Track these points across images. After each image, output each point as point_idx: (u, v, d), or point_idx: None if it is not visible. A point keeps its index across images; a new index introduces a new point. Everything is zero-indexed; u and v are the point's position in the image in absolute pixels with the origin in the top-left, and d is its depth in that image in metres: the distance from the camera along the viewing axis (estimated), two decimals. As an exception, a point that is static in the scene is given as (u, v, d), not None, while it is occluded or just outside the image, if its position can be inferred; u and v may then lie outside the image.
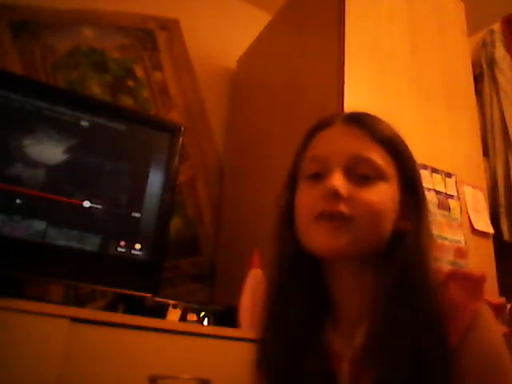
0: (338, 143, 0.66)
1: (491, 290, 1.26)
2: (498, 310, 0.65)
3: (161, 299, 1.19)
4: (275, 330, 0.68)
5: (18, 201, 1.07)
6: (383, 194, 0.63)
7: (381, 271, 0.63)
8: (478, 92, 1.76)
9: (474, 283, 0.62)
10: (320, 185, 0.64)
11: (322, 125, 0.71)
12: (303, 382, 0.65)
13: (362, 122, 0.67)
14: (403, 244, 0.63)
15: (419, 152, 1.25)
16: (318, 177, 0.65)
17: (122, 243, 1.16)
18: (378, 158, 0.64)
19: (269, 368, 0.68)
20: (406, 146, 0.69)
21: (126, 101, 1.72)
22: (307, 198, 0.66)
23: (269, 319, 0.70)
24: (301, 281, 0.68)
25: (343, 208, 0.61)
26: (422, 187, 0.69)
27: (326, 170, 0.65)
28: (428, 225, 0.67)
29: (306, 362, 0.65)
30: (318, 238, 0.63)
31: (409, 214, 0.65)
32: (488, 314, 0.61)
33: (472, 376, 0.58)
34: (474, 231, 1.31)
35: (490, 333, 0.61)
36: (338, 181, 0.62)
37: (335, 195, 0.61)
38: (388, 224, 0.63)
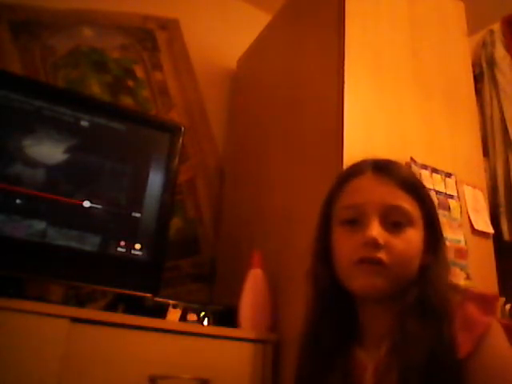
0: (371, 192, 0.75)
1: (491, 290, 1.26)
2: (509, 331, 0.69)
3: (161, 299, 1.19)
4: (311, 349, 0.79)
5: (18, 201, 1.07)
6: (413, 240, 0.73)
7: (403, 299, 0.71)
8: (478, 92, 1.76)
9: (487, 301, 0.70)
10: (358, 231, 0.73)
11: (353, 173, 0.80)
12: None
13: (390, 172, 0.77)
14: (425, 275, 0.73)
15: (419, 152, 1.27)
16: (355, 222, 0.75)
17: (122, 243, 1.16)
18: (407, 204, 0.74)
19: (304, 380, 0.79)
20: (425, 188, 0.80)
21: (126, 101, 1.72)
22: (347, 244, 0.75)
23: (306, 341, 0.80)
24: (334, 310, 0.78)
25: (382, 255, 0.70)
26: (440, 223, 0.79)
27: (362, 216, 0.74)
28: (445, 256, 0.78)
29: (334, 375, 0.74)
30: (358, 281, 0.72)
31: (430, 248, 0.76)
32: (499, 328, 0.67)
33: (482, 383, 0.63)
34: (474, 231, 1.31)
35: (500, 345, 0.66)
36: (376, 231, 0.71)
37: (375, 244, 0.70)
38: (416, 264, 0.74)
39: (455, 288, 0.76)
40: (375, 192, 0.75)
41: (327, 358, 0.76)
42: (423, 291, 0.71)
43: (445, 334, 0.66)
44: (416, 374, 0.64)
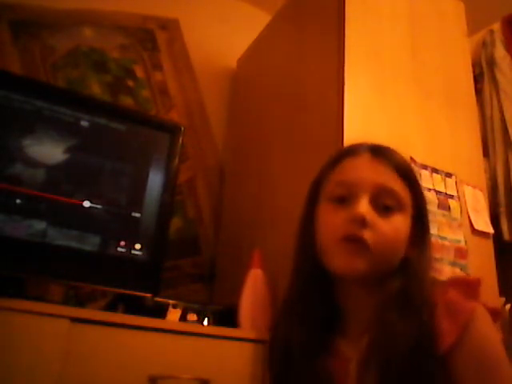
0: (365, 172, 0.73)
1: (491, 290, 1.26)
2: (494, 314, 0.68)
3: (161, 299, 1.19)
4: (289, 335, 0.75)
5: (18, 201, 1.07)
6: (400, 227, 0.71)
7: (385, 289, 0.70)
8: (478, 92, 1.76)
9: (469, 286, 0.69)
10: (345, 209, 0.71)
11: (349, 153, 0.78)
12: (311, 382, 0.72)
13: (387, 156, 0.75)
14: (408, 267, 0.71)
15: (419, 152, 1.27)
16: (343, 200, 0.72)
17: (122, 243, 1.16)
18: (400, 189, 0.73)
19: (279, 369, 0.76)
20: (419, 181, 0.79)
21: (126, 101, 1.72)
22: (332, 220, 0.72)
23: (284, 326, 0.77)
24: (315, 293, 0.76)
25: (366, 235, 0.68)
26: (428, 218, 0.77)
27: (352, 195, 0.71)
28: (430, 251, 0.76)
29: (314, 364, 0.72)
30: (338, 259, 0.70)
31: (415, 241, 0.74)
32: (484, 313, 0.66)
33: (470, 371, 0.62)
34: (474, 231, 1.31)
35: (486, 329, 0.65)
36: (364, 208, 0.69)
37: (361, 222, 0.68)
38: (401, 252, 0.72)
39: (437, 283, 0.75)
40: (369, 171, 0.73)
41: (305, 346, 0.73)
42: (405, 283, 0.69)
43: (426, 325, 0.64)
44: (395, 367, 0.63)
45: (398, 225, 0.71)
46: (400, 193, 0.72)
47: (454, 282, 0.70)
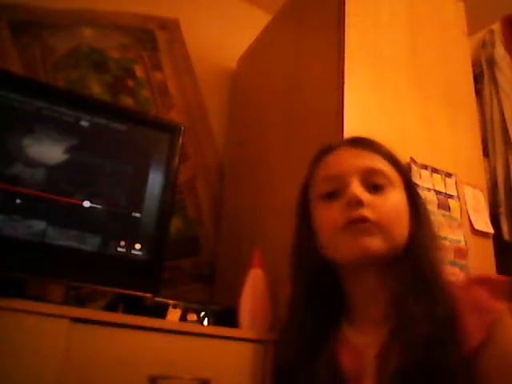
0: (348, 161, 0.73)
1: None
2: None
3: (161, 299, 1.19)
4: (294, 334, 0.74)
5: (18, 201, 1.07)
6: (397, 201, 0.71)
7: (397, 272, 0.68)
8: (478, 92, 1.76)
9: (499, 286, 0.65)
10: (337, 201, 0.70)
11: (328, 149, 0.79)
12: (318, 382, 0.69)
13: (365, 143, 0.76)
14: (413, 244, 0.69)
15: (419, 152, 1.27)
16: (333, 195, 0.71)
17: (122, 243, 1.16)
18: (386, 168, 0.73)
19: (286, 369, 0.74)
20: (400, 159, 0.78)
21: (126, 101, 1.72)
22: (328, 214, 0.71)
23: (289, 324, 0.77)
24: (320, 290, 0.75)
25: (367, 213, 0.67)
26: (417, 189, 0.77)
27: (341, 186, 0.71)
28: (431, 226, 0.75)
29: (324, 361, 0.70)
30: (345, 245, 0.68)
31: (415, 218, 0.73)
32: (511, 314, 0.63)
33: (497, 376, 0.60)
34: (474, 231, 1.31)
35: None
36: (358, 189, 0.68)
37: (357, 203, 0.67)
38: (405, 225, 0.70)
39: (462, 280, 0.73)
40: (352, 159, 0.73)
41: (313, 341, 0.72)
42: (415, 262, 0.68)
43: (442, 305, 0.63)
44: (419, 360, 0.60)
45: (395, 199, 0.71)
46: (388, 171, 0.73)
47: (482, 280, 0.67)
